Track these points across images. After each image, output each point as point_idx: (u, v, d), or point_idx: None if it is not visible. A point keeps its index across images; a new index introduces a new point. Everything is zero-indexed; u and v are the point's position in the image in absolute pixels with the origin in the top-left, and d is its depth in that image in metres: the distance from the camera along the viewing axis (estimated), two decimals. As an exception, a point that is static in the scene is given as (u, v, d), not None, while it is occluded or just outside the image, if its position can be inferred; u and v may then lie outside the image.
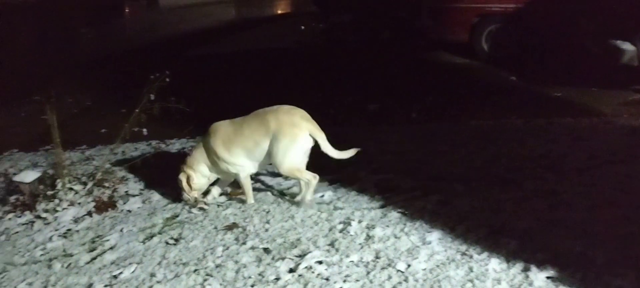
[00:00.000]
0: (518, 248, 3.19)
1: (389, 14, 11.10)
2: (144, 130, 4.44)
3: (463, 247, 3.27)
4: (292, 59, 10.35)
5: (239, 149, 3.98)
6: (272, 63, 10.10)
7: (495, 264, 3.07)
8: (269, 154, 3.90)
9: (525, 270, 2.99)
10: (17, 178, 4.33)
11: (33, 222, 4.14)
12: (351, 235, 3.53)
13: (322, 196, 4.11)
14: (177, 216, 4.06)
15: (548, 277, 2.92)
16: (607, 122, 5.56)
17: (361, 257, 3.27)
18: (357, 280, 3.06)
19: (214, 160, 4.07)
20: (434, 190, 4.05)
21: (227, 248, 3.51)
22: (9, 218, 4.26)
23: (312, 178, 3.88)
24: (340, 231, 3.59)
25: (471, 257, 3.17)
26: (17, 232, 4.08)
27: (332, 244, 3.43)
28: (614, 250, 3.12)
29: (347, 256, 3.29)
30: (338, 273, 3.14)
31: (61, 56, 12.04)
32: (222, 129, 4.08)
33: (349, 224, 3.65)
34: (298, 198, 4.04)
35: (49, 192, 4.24)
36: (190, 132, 5.49)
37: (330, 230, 3.62)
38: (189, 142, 5.68)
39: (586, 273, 2.92)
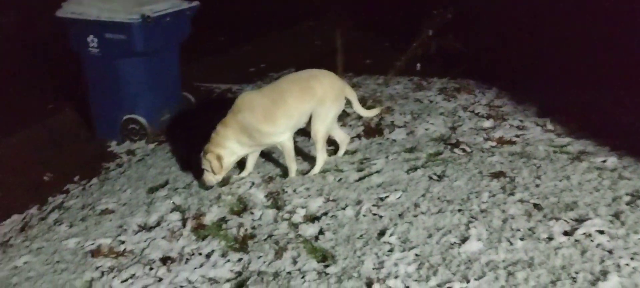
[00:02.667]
0: None
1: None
2: (418, 65, 4.46)
3: None
4: None
5: (283, 119, 3.81)
6: None
7: None
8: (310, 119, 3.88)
9: None
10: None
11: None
12: (641, 210, 3.09)
13: (604, 161, 3.67)
14: (441, 153, 4.05)
15: None
16: None
17: (637, 237, 2.85)
18: (649, 261, 2.68)
19: (251, 135, 3.83)
20: None
21: (493, 196, 3.39)
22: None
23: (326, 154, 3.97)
24: (627, 203, 3.16)
25: None
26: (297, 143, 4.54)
27: (616, 216, 3.05)
28: None
29: (636, 232, 2.90)
30: (624, 248, 2.78)
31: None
32: (257, 101, 3.85)
33: (639, 198, 3.19)
34: (312, 172, 3.96)
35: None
36: (459, 73, 5.38)
37: (613, 200, 3.21)
38: (450, 83, 5.60)
39: None
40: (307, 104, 3.82)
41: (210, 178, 3.84)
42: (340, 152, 4.20)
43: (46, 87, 6.60)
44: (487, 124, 4.50)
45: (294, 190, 3.76)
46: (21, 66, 7.23)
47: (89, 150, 5.07)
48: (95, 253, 3.33)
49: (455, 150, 4.05)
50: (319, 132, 3.87)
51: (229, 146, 3.81)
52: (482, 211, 3.25)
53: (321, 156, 3.95)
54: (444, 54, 4.39)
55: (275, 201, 3.68)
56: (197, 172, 4.03)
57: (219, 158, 3.78)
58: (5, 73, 6.88)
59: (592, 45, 5.54)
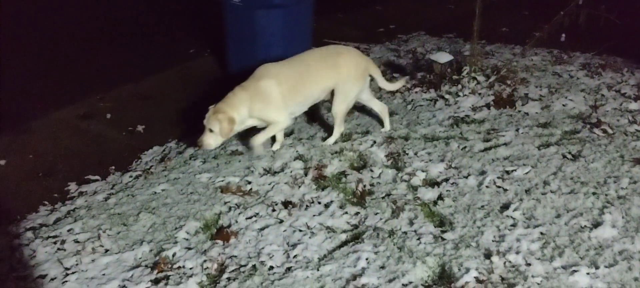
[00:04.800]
0: None
1: None
2: (563, 35, 4.16)
3: None
4: None
5: (304, 96, 3.76)
6: None
7: None
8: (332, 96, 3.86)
9: None
10: (433, 57, 4.67)
11: (436, 100, 4.47)
12: None
13: None
14: (578, 132, 3.78)
15: None
16: None
17: None
18: None
19: (265, 105, 3.65)
20: None
21: (635, 183, 3.12)
22: (416, 92, 4.69)
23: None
24: None
25: None
26: (421, 105, 4.47)
27: None
28: None
29: None
30: None
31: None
32: (283, 73, 3.67)
33: None
34: (328, 141, 3.97)
35: (455, 77, 4.46)
36: (607, 48, 4.95)
37: None
38: (594, 58, 5.16)
39: None
40: (331, 80, 3.79)
41: (211, 141, 3.65)
42: (386, 124, 4.11)
43: (189, 33, 7.07)
44: (634, 105, 4.11)
45: (415, 154, 3.72)
46: (168, 15, 7.81)
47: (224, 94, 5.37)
48: (225, 189, 3.56)
49: (595, 130, 3.75)
50: (340, 111, 3.88)
51: (242, 112, 3.64)
52: (619, 197, 3.01)
53: (338, 129, 3.97)
54: (594, 26, 4.01)
55: (396, 162, 3.67)
56: (319, 125, 4.12)
57: (231, 121, 3.59)
58: (153, 21, 7.48)
59: None
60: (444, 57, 4.53)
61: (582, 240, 2.72)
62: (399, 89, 4.46)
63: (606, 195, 3.03)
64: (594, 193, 3.06)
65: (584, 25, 4.02)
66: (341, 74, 3.78)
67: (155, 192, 3.66)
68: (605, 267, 2.52)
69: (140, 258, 3.02)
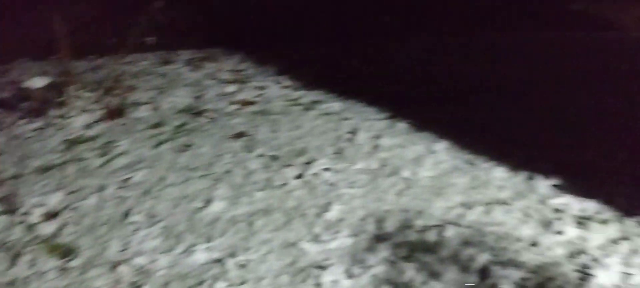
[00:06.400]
0: (524, 158, 3.20)
1: None
2: (149, 38, 4.38)
3: (469, 156, 3.29)
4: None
5: None
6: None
7: (500, 172, 3.10)
8: None
9: (530, 178, 3.02)
10: (26, 84, 4.35)
11: (44, 127, 4.20)
12: (358, 144, 3.55)
13: (330, 106, 4.10)
14: (187, 124, 4.09)
15: (553, 185, 2.94)
16: (626, 36, 5.41)
17: (367, 165, 3.31)
18: (363, 186, 3.10)
19: None
20: (443, 101, 4.03)
21: (236, 155, 3.56)
22: (21, 124, 4.32)
23: None
24: (347, 140, 3.61)
25: (476, 165, 3.20)
26: (30, 137, 4.15)
27: (338, 152, 3.46)
28: (625, 162, 3.12)
29: (353, 164, 3.33)
30: (344, 179, 3.18)
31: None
32: None
33: (356, 134, 3.66)
34: None
35: (59, 99, 4.27)
36: (203, 42, 5.45)
37: (337, 139, 3.63)
38: (197, 53, 5.64)
39: (592, 182, 2.93)
40: None
41: None
42: None
43: None
44: (231, 88, 4.66)
45: (30, 190, 3.45)
46: None
47: None
48: None
49: (200, 118, 4.12)
50: None
51: None
52: (226, 172, 3.39)
53: None
54: (176, 23, 4.38)
55: (9, 205, 3.33)
56: None
57: None
58: None
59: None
60: (39, 82, 4.29)
61: (197, 220, 2.98)
62: None
63: (214, 173, 3.38)
64: (204, 175, 3.37)
65: (167, 24, 4.33)
66: None
67: None
68: (219, 237, 2.82)
69: None
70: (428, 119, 3.76)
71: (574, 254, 2.49)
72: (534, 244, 2.58)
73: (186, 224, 2.96)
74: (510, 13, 6.31)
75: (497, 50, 5.10)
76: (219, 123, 4.04)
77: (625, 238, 2.56)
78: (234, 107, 4.31)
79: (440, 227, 2.74)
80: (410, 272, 2.47)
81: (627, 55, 4.80)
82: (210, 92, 4.61)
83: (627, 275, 2.36)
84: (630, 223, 2.66)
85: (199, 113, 4.19)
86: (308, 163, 3.36)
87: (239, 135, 3.81)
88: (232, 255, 2.69)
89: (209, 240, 2.81)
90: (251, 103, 4.31)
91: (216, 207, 3.06)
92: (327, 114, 4.00)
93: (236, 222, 2.92)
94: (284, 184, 3.19)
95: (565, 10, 6.39)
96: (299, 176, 3.25)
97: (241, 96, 4.46)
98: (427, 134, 3.58)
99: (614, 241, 2.55)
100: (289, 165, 3.36)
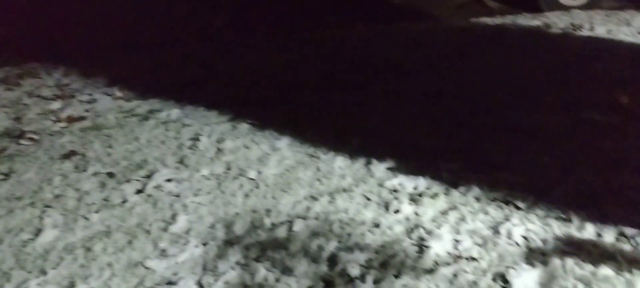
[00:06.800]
0: (361, 146, 3.37)
1: None
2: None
3: (311, 150, 3.38)
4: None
5: None
6: None
7: (340, 162, 3.23)
8: None
9: (368, 163, 3.19)
10: None
11: None
12: (201, 150, 3.47)
13: (169, 115, 3.95)
14: (5, 150, 3.66)
15: (388, 168, 3.14)
16: (441, 25, 5.96)
17: (212, 170, 3.24)
18: (209, 193, 3.04)
19: None
20: (282, 100, 4.09)
21: (66, 177, 3.27)
22: None
23: None
24: (189, 147, 3.50)
25: (319, 157, 3.30)
26: None
27: (181, 161, 3.35)
28: (447, 139, 3.43)
29: (198, 171, 3.24)
30: (188, 188, 3.09)
31: None
32: None
33: (198, 140, 3.58)
34: None
35: None
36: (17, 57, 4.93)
37: (178, 147, 3.51)
38: (14, 70, 5.08)
39: (421, 161, 3.18)
40: None
41: None
42: None
43: None
44: (56, 105, 4.27)
45: None
46: None
47: None
48: None
49: (21, 141, 3.73)
50: None
51: None
52: (55, 197, 3.10)
53: None
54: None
55: None
56: None
57: None
58: None
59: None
60: None
61: (27, 254, 2.69)
62: None
63: (42, 200, 3.07)
64: (31, 204, 3.05)
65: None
66: None
67: None
68: (52, 269, 2.57)
69: None
70: (269, 118, 3.79)
71: (411, 230, 2.68)
72: (376, 225, 2.73)
73: (14, 260, 2.65)
74: (340, 10, 6.65)
75: (330, 45, 5.31)
76: (44, 144, 3.68)
77: (453, 209, 2.82)
78: (60, 125, 3.95)
79: (289, 222, 2.78)
80: (262, 271, 2.47)
81: (447, 42, 5.28)
82: (31, 112, 4.18)
83: (457, 241, 2.60)
84: (456, 194, 2.93)
85: (19, 135, 3.78)
86: (148, 176, 3.20)
87: (69, 154, 3.51)
88: (71, 285, 2.47)
89: (42, 273, 2.55)
90: (80, 119, 3.99)
91: (48, 236, 2.79)
92: (165, 122, 3.84)
93: (72, 250, 2.68)
94: (124, 201, 3.00)
95: (388, 4, 6.90)
96: (140, 191, 3.08)
97: (67, 112, 4.11)
98: (269, 133, 3.60)
99: (444, 212, 2.79)
100: (127, 181, 3.17)
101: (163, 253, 2.62)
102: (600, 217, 2.70)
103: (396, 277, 2.41)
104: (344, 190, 3.00)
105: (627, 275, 2.37)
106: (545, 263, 2.45)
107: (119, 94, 4.42)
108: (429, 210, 2.81)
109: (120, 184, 3.15)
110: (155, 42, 5.57)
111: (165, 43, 5.52)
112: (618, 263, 2.44)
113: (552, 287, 2.33)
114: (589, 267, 2.42)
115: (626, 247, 2.53)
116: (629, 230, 2.61)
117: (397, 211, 2.82)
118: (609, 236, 2.59)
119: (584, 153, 3.24)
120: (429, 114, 3.80)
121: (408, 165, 3.15)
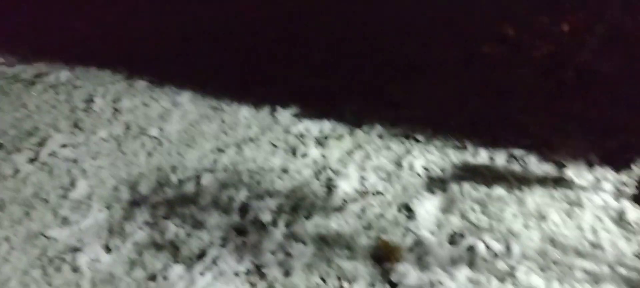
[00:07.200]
0: (266, 94, 3.35)
1: None
2: None
3: (214, 102, 3.31)
4: None
5: None
6: None
7: (245, 112, 3.20)
8: None
9: (273, 111, 3.18)
10: None
11: None
12: (96, 111, 3.29)
13: (57, 77, 3.69)
14: None
15: (293, 114, 3.15)
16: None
17: (110, 132, 3.10)
18: (108, 155, 2.91)
19: None
20: (179, 54, 3.94)
21: (-54, 153, 3.00)
22: None
23: None
24: (83, 110, 3.32)
25: (222, 109, 3.24)
26: None
27: (75, 125, 3.17)
28: (348, 81, 3.48)
29: (94, 133, 3.09)
30: (86, 152, 2.94)
31: None
32: None
33: (92, 101, 3.39)
34: None
35: None
36: None
37: (71, 111, 3.31)
38: None
39: (325, 105, 3.22)
40: None
41: None
42: None
43: None
44: None
45: None
46: None
47: None
48: None
49: None
50: None
51: None
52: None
53: None
54: None
55: None
56: None
57: None
58: None
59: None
60: None
61: None
62: None
63: None
64: None
65: None
66: None
67: None
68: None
69: None
70: (167, 72, 3.66)
71: (319, 172, 2.73)
72: (284, 171, 2.75)
73: None
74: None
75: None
76: None
77: (357, 148, 2.90)
78: None
79: (196, 177, 2.74)
80: (172, 228, 2.44)
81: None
82: None
83: (363, 179, 2.69)
84: (360, 133, 3.01)
85: None
86: (41, 143, 3.01)
87: (-53, 129, 3.21)
88: (-36, 266, 2.30)
89: None
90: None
91: None
92: (54, 86, 3.59)
93: (-38, 229, 2.49)
94: (17, 172, 2.81)
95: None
96: (33, 159, 2.89)
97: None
98: (169, 88, 3.49)
99: (349, 152, 2.87)
100: (18, 150, 2.96)
101: (64, 221, 2.49)
102: (492, 142, 2.89)
103: (307, 218, 2.46)
104: (251, 140, 2.99)
105: (517, 193, 2.58)
106: (444, 190, 2.60)
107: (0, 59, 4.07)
108: (335, 151, 2.87)
109: (10, 154, 2.93)
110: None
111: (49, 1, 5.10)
112: (509, 182, 2.64)
113: (451, 211, 2.49)
114: (483, 189, 2.60)
115: (516, 167, 2.74)
116: (517, 152, 2.82)
117: (304, 155, 2.86)
118: (500, 159, 2.79)
119: (476, 85, 3.42)
120: (329, 58, 3.82)
121: (312, 109, 3.18)
